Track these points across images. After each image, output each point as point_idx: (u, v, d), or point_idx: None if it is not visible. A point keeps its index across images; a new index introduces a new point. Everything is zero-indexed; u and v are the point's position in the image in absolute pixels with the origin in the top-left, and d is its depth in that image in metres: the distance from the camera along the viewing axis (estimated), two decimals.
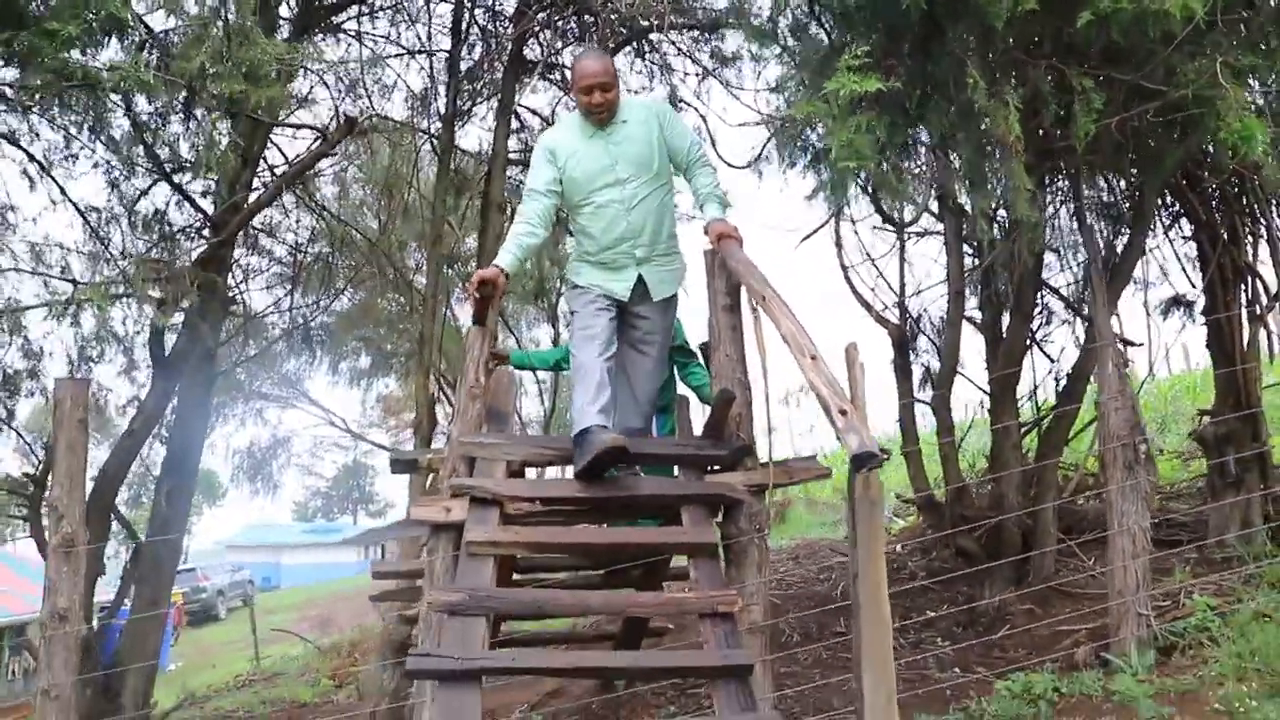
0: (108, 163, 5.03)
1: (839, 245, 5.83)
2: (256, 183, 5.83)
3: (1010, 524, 5.32)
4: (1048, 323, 5.81)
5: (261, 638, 14.24)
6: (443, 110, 6.71)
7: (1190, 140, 3.77)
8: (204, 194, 5.49)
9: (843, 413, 2.56)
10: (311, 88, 5.93)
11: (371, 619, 10.73)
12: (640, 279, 3.99)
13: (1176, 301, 7.31)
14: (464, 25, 6.70)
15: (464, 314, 14.54)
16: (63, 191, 5.01)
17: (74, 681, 3.85)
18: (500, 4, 7.33)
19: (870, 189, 4.78)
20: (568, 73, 7.17)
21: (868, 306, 6.02)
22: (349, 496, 33.95)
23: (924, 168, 3.22)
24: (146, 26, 3.86)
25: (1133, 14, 3.07)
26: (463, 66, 6.63)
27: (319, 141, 5.50)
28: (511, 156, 6.75)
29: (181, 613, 20.45)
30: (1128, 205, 5.25)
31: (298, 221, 8.17)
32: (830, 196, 3.43)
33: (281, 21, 5.31)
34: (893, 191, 3.08)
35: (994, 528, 5.34)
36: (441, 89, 6.99)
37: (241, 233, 6.39)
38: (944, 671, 4.86)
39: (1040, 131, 3.75)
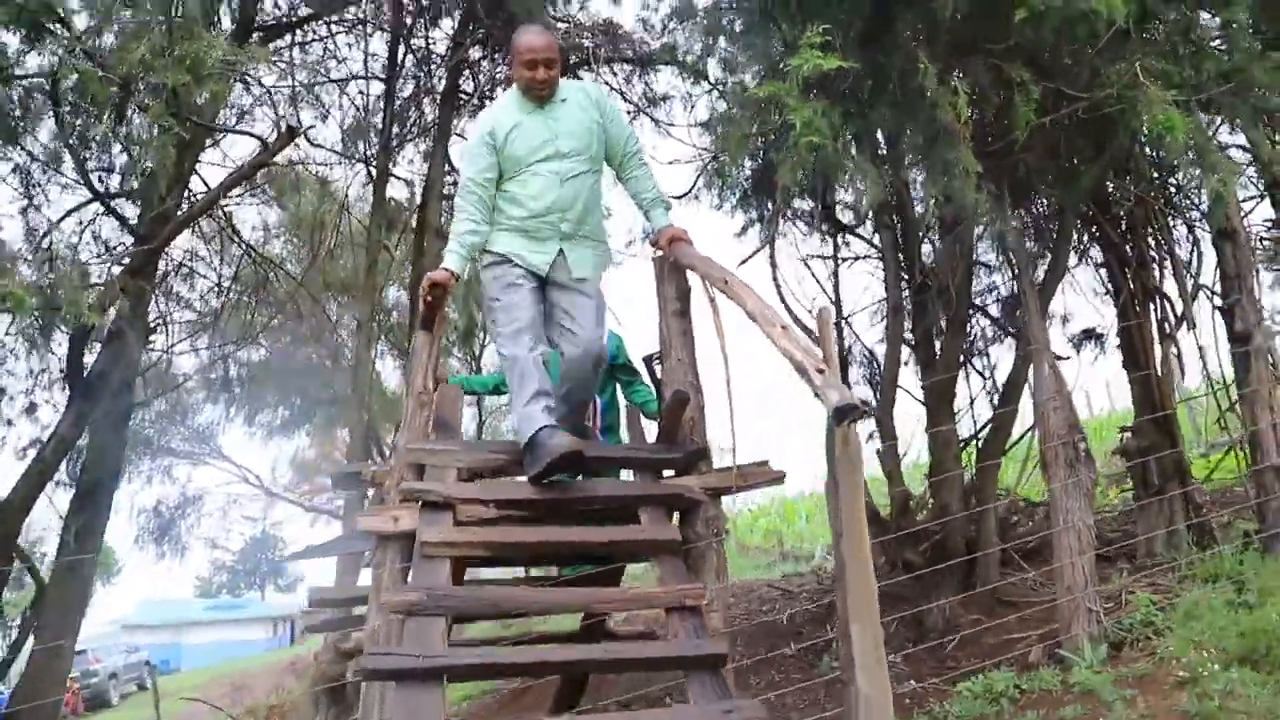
0: (26, 170, 4.78)
1: (774, 265, 5.93)
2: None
3: (954, 534, 5.38)
4: (981, 340, 5.99)
5: (165, 715, 13.18)
6: (377, 139, 6.64)
7: (1113, 145, 3.98)
8: (131, 200, 5.23)
9: (819, 371, 2.56)
10: (250, 106, 5.77)
11: (291, 683, 10.10)
12: (561, 253, 3.83)
13: (1089, 334, 7.71)
14: (400, 56, 6.70)
15: (389, 374, 14.25)
16: None
17: None
18: (433, 41, 7.42)
19: (815, 196, 4.91)
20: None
21: (806, 329, 6.11)
22: (256, 571, 32.25)
23: (874, 160, 3.29)
24: (66, 24, 3.69)
25: (1062, 14, 3.25)
26: (400, 96, 6.61)
27: (259, 151, 5.34)
28: (446, 183, 6.71)
29: (77, 697, 18.86)
30: (1051, 226, 5.50)
31: (220, 257, 7.87)
32: (780, 194, 3.45)
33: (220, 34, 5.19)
34: (843, 173, 3.14)
35: (938, 539, 5.39)
36: (377, 118, 6.93)
37: (160, 268, 6.15)
38: (901, 685, 4.83)
39: (986, 137, 3.92)
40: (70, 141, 4.44)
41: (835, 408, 2.43)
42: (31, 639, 5.10)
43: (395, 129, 6.85)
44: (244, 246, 7.61)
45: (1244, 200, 6.32)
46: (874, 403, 5.49)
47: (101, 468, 5.49)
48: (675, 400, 4.11)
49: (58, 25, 3.75)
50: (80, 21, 3.83)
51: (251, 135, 5.60)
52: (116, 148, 4.75)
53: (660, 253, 4.10)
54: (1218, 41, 3.91)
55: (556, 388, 3.81)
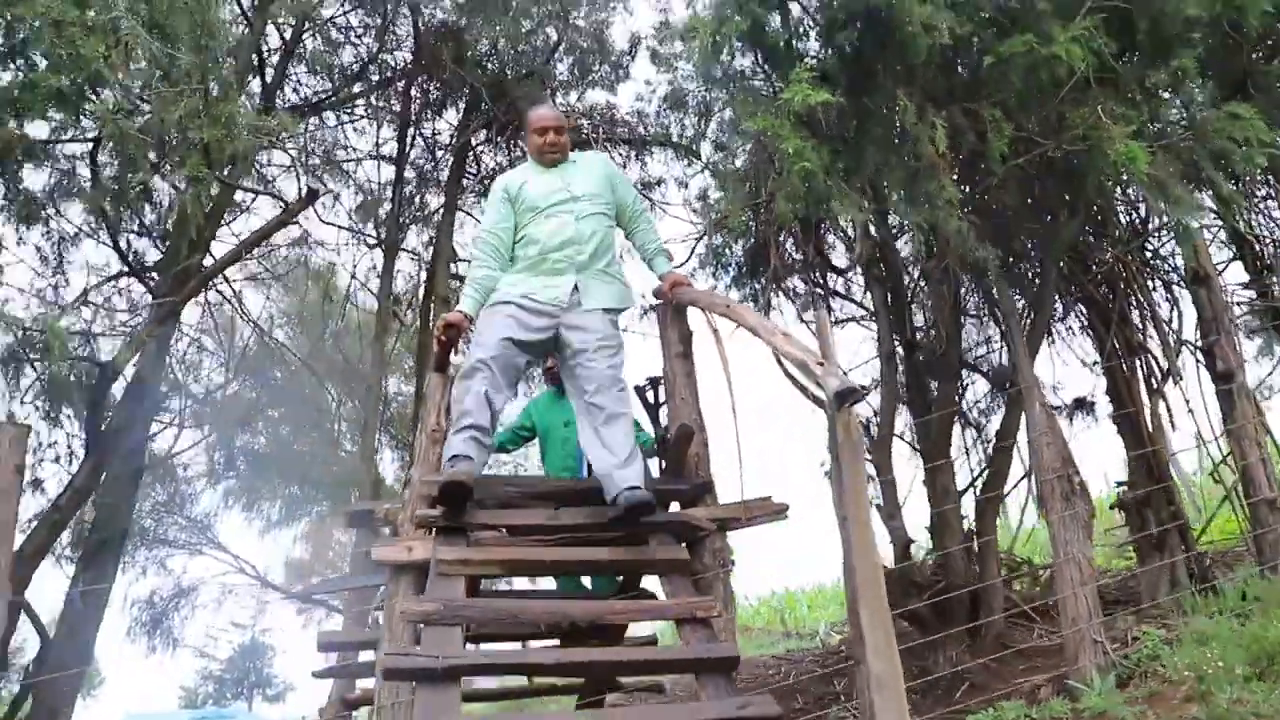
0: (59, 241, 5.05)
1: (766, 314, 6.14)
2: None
3: (957, 582, 5.41)
4: (974, 397, 6.16)
5: None
6: (386, 218, 6.98)
7: (1086, 189, 4.26)
8: (155, 267, 5.47)
9: (819, 364, 2.73)
10: (273, 177, 6.09)
11: None
12: (576, 288, 3.90)
13: (1080, 403, 7.90)
14: (409, 140, 7.11)
15: (386, 468, 14.24)
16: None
17: None
18: (438, 133, 7.87)
19: (807, 242, 5.16)
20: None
21: (802, 388, 6.29)
22: (244, 680, 31.12)
23: (861, 192, 3.55)
24: (124, 86, 4.03)
25: (1026, 60, 3.58)
26: (408, 174, 6.98)
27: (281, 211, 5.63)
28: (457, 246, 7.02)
29: None
30: (1035, 280, 5.74)
31: (229, 336, 8.09)
32: (775, 220, 3.67)
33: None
34: (832, 202, 3.38)
35: (942, 592, 5.41)
36: (386, 201, 7.28)
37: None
38: None
39: (966, 181, 4.21)
40: (104, 208, 4.70)
41: (835, 392, 2.59)
42: (30, 702, 5.02)
43: (403, 207, 7.19)
44: (253, 324, 7.82)
45: (1218, 263, 6.65)
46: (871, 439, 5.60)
47: (111, 526, 5.52)
48: (681, 435, 4.25)
49: (97, 96, 4.05)
50: (114, 93, 4.12)
51: (274, 195, 5.90)
52: (143, 219, 5.01)
53: (663, 300, 4.32)
54: (1171, 93, 4.23)
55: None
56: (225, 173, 4.56)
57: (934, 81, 3.71)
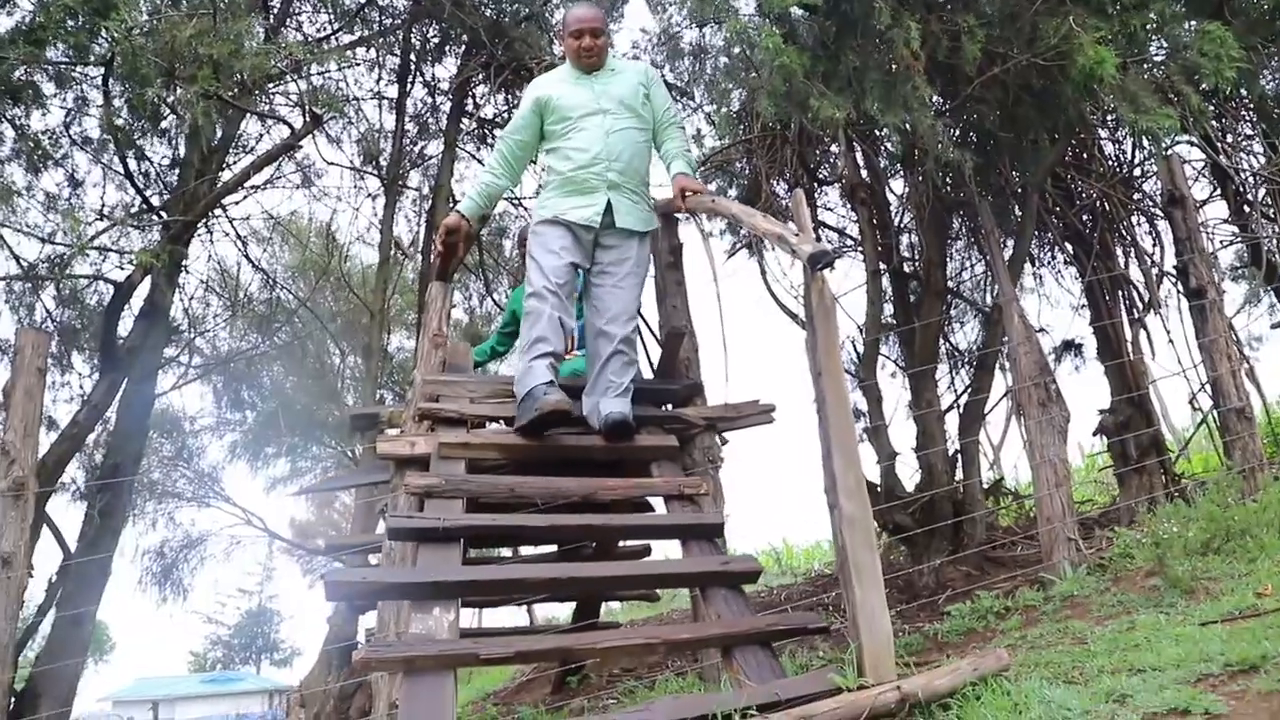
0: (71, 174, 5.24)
1: (759, 256, 6.33)
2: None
3: (942, 497, 5.63)
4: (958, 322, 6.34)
5: None
6: (388, 157, 7.14)
7: (1063, 102, 4.41)
8: (167, 186, 5.66)
9: (795, 235, 2.92)
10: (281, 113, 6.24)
11: None
12: (609, 205, 3.86)
13: (1068, 345, 8.09)
14: (409, 80, 7.26)
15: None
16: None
17: (12, 630, 3.67)
18: (439, 80, 8.02)
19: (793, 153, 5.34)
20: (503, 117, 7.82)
21: (792, 314, 6.50)
22: (252, 645, 31.66)
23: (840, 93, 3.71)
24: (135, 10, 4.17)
25: None
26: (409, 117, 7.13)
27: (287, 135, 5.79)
28: (454, 190, 7.18)
29: None
30: (1015, 208, 5.91)
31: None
32: (765, 107, 3.80)
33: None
34: (814, 101, 3.55)
35: (926, 501, 5.63)
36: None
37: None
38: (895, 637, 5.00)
39: (944, 95, 4.36)
40: (116, 126, 4.88)
41: (809, 255, 2.78)
42: (54, 611, 5.27)
43: (404, 150, 7.35)
44: (255, 266, 8.02)
45: (1201, 200, 6.81)
46: (858, 367, 5.79)
47: (124, 450, 5.74)
48: (672, 335, 4.46)
49: (115, 14, 4.20)
50: (125, 16, 4.28)
51: (280, 119, 6.06)
52: (154, 147, 5.21)
53: (670, 209, 4.23)
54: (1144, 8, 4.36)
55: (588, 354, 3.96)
56: (234, 94, 4.72)
57: None
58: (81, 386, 6.81)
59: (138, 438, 5.95)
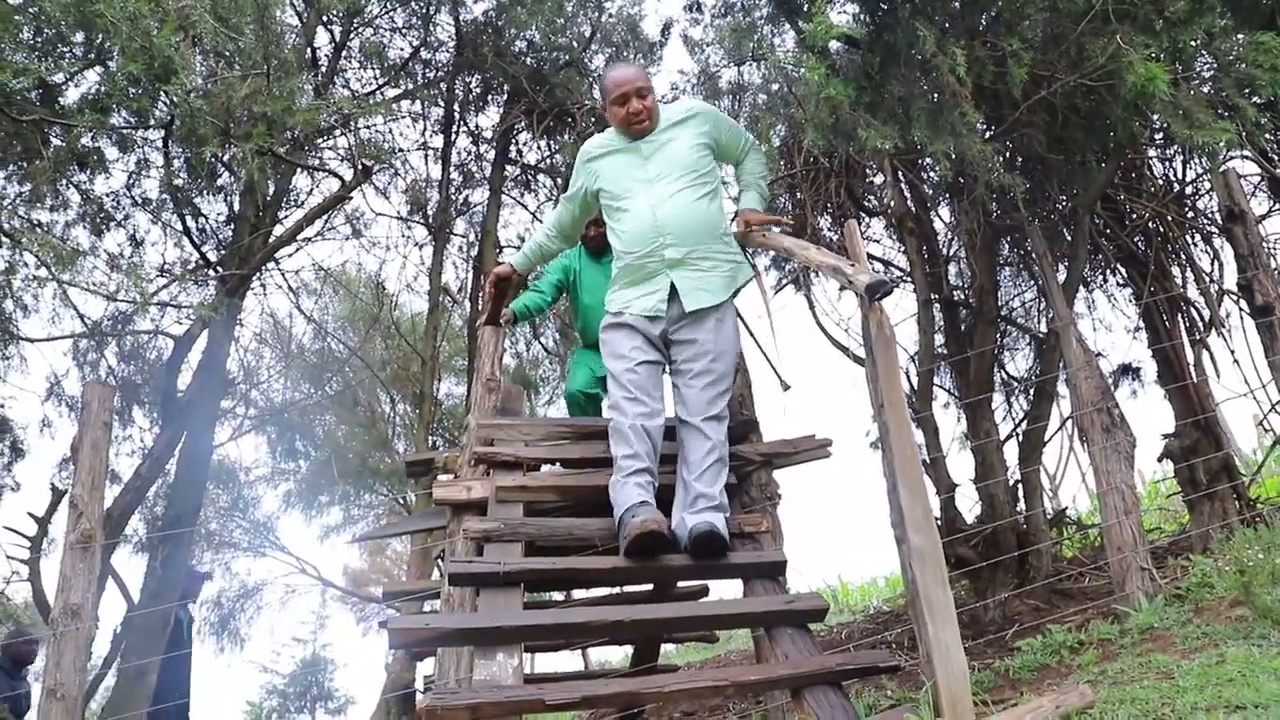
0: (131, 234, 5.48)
1: (809, 294, 6.30)
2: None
3: (1005, 527, 5.48)
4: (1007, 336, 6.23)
5: None
6: (435, 205, 7.30)
7: (1113, 121, 4.35)
8: (221, 243, 5.87)
9: (851, 265, 2.90)
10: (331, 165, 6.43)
11: None
12: (673, 288, 3.46)
13: (1125, 369, 7.89)
14: (454, 130, 7.44)
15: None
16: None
17: (81, 681, 3.72)
18: (481, 130, 8.20)
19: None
20: (546, 163, 7.94)
21: (842, 348, 6.44)
22: (307, 694, 31.72)
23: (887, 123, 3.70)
24: (193, 73, 4.36)
25: None
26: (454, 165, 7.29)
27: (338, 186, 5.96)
28: (500, 236, 7.30)
29: None
30: (1067, 229, 5.81)
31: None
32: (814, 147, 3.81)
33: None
34: (861, 131, 3.54)
35: (989, 533, 5.49)
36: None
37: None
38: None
39: (991, 121, 4.34)
40: (175, 185, 5.07)
41: (866, 286, 2.76)
42: (118, 662, 5.35)
43: (450, 198, 7.50)
44: (307, 318, 8.20)
45: (1258, 215, 6.64)
46: (914, 396, 5.70)
47: (184, 502, 5.86)
48: None
49: (169, 83, 4.39)
50: (184, 79, 4.47)
51: (331, 172, 6.23)
52: (210, 205, 5.42)
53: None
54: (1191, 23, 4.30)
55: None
56: (286, 149, 4.88)
57: (955, 19, 3.86)
58: (143, 439, 7.01)
59: (196, 489, 6.08)
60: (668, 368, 3.66)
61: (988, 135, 4.30)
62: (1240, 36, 4.74)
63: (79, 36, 5.13)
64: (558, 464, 4.02)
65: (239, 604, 12.63)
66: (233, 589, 12.57)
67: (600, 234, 4.53)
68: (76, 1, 4.46)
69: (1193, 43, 4.36)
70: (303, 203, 6.72)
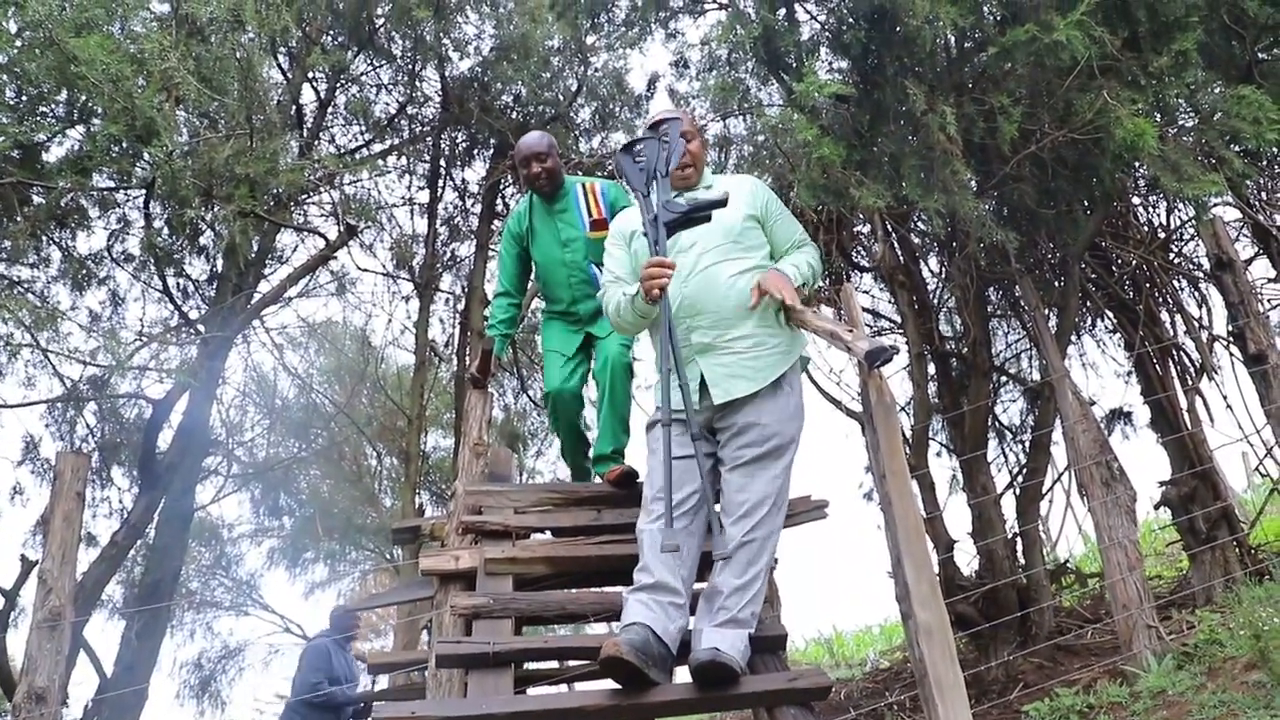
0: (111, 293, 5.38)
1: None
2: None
3: (1005, 585, 5.37)
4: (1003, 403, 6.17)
5: None
6: (421, 261, 7.25)
7: (1100, 173, 4.35)
8: (203, 298, 5.78)
9: (849, 331, 2.84)
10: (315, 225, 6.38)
11: None
12: (702, 379, 2.94)
13: (1117, 414, 7.86)
14: (440, 185, 7.41)
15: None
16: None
17: None
18: (467, 182, 8.19)
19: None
20: None
21: (835, 401, 6.37)
22: None
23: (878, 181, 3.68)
24: (176, 134, 4.32)
25: (1031, 49, 3.73)
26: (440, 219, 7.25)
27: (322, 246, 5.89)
28: (486, 290, 7.24)
29: None
30: (1057, 280, 5.81)
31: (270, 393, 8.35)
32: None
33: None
34: (853, 190, 3.51)
35: (990, 590, 5.37)
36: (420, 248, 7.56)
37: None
38: None
39: (980, 173, 4.33)
40: (156, 246, 4.99)
41: (866, 353, 2.69)
42: None
43: (437, 253, 7.46)
44: (292, 374, 8.09)
45: (1243, 259, 6.67)
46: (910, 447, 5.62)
47: (163, 567, 5.67)
48: None
49: (151, 145, 4.34)
50: (166, 140, 4.42)
51: (315, 232, 6.17)
52: (192, 264, 5.35)
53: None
54: (1174, 78, 4.33)
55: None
56: (269, 208, 4.82)
57: (942, 76, 3.86)
58: (121, 501, 6.83)
59: (176, 553, 5.90)
60: (542, 178, 3.65)
61: (978, 188, 4.28)
62: (1219, 88, 4.79)
63: (62, 95, 5.10)
64: (547, 532, 3.90)
65: (220, 665, 12.32)
66: (214, 650, 12.27)
67: (546, 171, 3.99)
68: (59, 63, 4.41)
69: (1176, 96, 4.39)
70: (287, 259, 6.68)
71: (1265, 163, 6.50)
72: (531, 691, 3.28)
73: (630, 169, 3.11)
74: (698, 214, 2.85)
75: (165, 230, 5.12)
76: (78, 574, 4.91)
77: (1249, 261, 6.78)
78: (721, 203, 2.87)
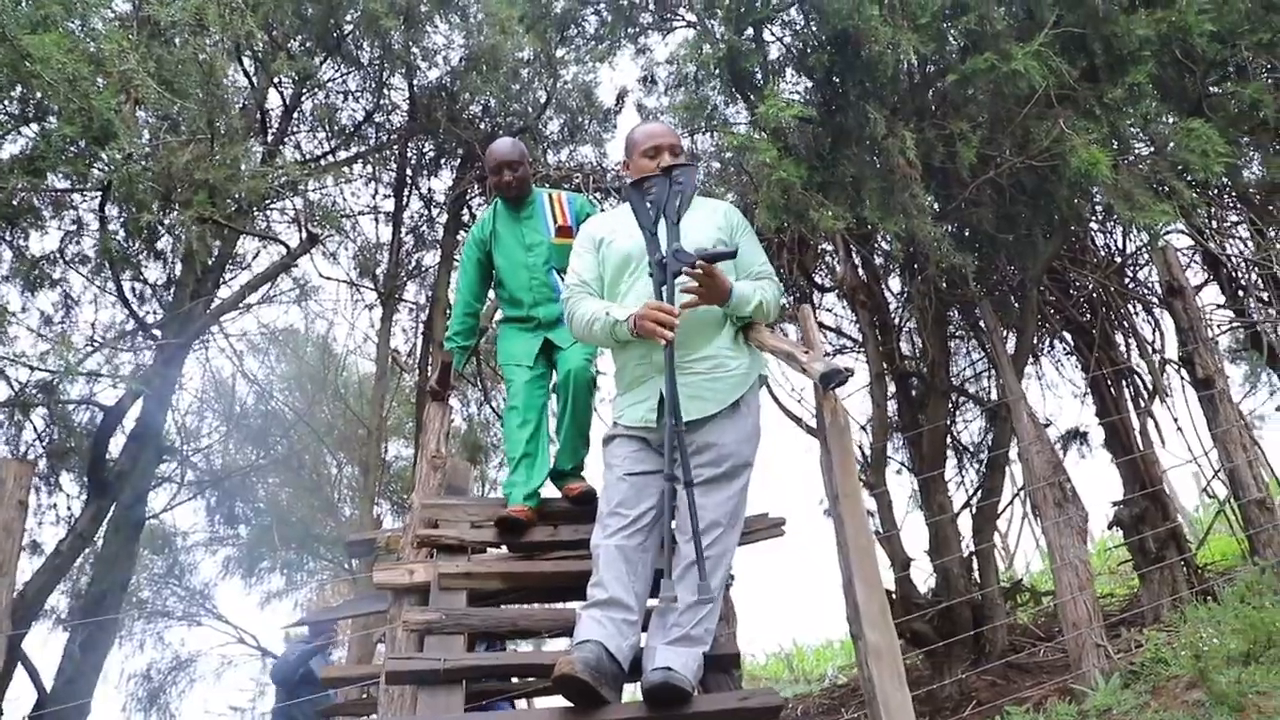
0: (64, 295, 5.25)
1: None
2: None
3: (961, 603, 5.43)
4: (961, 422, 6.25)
5: None
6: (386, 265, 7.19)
7: (1057, 200, 4.44)
8: (161, 301, 5.66)
9: (805, 352, 2.86)
10: (277, 233, 6.30)
11: None
12: (662, 398, 2.87)
13: (1073, 434, 8.00)
14: (406, 190, 7.37)
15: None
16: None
17: None
18: (434, 192, 8.15)
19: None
20: None
21: (795, 418, 6.41)
22: None
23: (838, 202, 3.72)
24: (134, 137, 4.22)
25: (990, 77, 3.80)
26: (405, 229, 7.20)
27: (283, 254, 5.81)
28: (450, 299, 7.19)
29: None
30: (1015, 302, 5.90)
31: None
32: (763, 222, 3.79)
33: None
34: (813, 212, 3.55)
35: (945, 609, 5.43)
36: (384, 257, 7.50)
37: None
38: None
39: (940, 198, 4.40)
40: (112, 250, 4.88)
41: (821, 374, 2.71)
42: None
43: (401, 262, 7.40)
44: (251, 380, 7.96)
45: (1194, 285, 6.84)
46: (867, 463, 5.67)
47: (110, 578, 5.53)
48: None
49: (107, 147, 4.26)
50: (124, 142, 4.34)
51: (276, 240, 6.09)
52: (149, 269, 5.25)
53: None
54: (1128, 109, 4.44)
55: None
56: (230, 214, 4.75)
57: (904, 101, 3.93)
58: (69, 509, 6.65)
59: (125, 562, 5.75)
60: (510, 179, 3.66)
61: (938, 212, 4.34)
62: (1172, 120, 4.92)
63: (15, 92, 4.99)
64: (504, 547, 3.86)
65: (170, 676, 11.99)
66: (164, 661, 11.94)
67: (516, 180, 3.99)
68: (12, 60, 4.30)
69: (1130, 126, 4.51)
70: (248, 265, 6.58)
71: (1215, 192, 6.68)
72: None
73: (638, 204, 3.07)
74: (712, 263, 2.83)
75: (122, 234, 5.03)
76: (18, 585, 4.78)
77: (1199, 288, 6.96)
78: (731, 254, 2.87)
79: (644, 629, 2.92)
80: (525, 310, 4.06)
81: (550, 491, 4.04)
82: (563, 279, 3.86)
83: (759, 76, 3.84)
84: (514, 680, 3.49)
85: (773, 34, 4.13)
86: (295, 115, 6.83)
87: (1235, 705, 3.22)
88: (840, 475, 2.70)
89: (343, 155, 7.09)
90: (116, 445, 6.08)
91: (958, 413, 6.49)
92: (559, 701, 2.74)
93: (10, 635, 3.59)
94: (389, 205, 7.61)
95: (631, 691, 2.96)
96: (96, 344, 5.31)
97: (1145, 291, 7.13)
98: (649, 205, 3.02)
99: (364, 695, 4.60)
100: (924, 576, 6.39)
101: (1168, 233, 6.14)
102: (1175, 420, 6.46)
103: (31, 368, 4.61)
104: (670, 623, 2.78)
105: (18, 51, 3.88)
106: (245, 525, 12.03)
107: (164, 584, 12.16)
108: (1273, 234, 6.84)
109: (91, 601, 5.39)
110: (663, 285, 2.85)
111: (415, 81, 7.04)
